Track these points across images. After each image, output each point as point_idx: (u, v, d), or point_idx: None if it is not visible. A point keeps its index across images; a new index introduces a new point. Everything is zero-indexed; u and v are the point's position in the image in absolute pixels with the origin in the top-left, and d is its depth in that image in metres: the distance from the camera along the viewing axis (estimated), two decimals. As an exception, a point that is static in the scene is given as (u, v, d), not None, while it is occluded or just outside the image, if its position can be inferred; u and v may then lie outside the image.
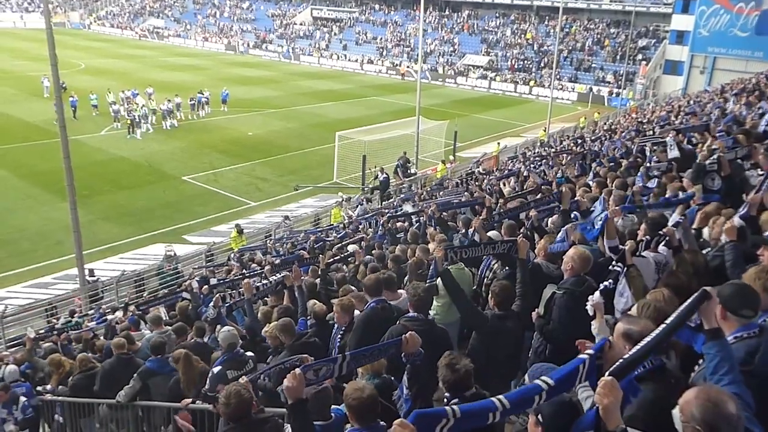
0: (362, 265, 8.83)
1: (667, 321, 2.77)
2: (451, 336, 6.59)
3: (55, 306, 14.89)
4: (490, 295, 5.26)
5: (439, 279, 5.73)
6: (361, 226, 15.87)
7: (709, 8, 46.12)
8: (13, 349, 11.55)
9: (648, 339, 2.69)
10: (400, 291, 6.28)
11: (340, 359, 3.56)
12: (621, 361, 2.60)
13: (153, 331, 8.51)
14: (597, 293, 4.14)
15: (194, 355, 6.72)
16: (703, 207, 6.06)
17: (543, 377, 2.65)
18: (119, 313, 11.34)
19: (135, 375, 6.99)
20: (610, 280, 4.46)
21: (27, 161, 26.60)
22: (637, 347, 2.68)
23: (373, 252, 10.23)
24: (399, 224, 13.50)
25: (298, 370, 3.38)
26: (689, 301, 2.82)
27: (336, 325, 6.04)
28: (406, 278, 7.38)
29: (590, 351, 2.85)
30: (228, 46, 74.44)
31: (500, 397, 2.57)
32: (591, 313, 4.03)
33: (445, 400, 3.53)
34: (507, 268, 6.09)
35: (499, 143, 30.59)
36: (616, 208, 5.86)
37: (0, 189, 23.38)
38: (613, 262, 4.70)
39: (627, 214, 6.62)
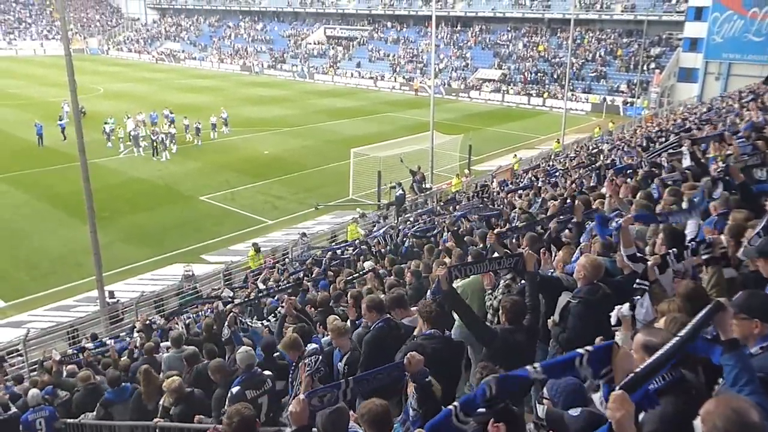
0: (375, 281, 8.83)
1: (680, 333, 2.75)
2: (474, 343, 6.54)
3: (76, 329, 15.02)
4: (501, 311, 5.22)
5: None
6: (374, 242, 15.88)
7: (722, 14, 45.86)
8: (34, 373, 11.67)
9: (661, 352, 2.67)
10: (414, 308, 6.19)
11: (344, 385, 3.54)
12: (633, 374, 2.58)
13: (170, 351, 8.58)
14: (626, 306, 4.07)
15: (205, 377, 6.92)
16: (723, 218, 5.94)
17: (534, 365, 2.84)
18: (137, 336, 11.46)
19: (98, 404, 7.81)
20: (638, 296, 4.38)
21: (47, 185, 27.08)
22: (649, 360, 2.66)
23: (393, 268, 10.21)
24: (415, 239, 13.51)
25: (302, 396, 3.36)
26: (702, 312, 2.81)
27: (337, 350, 5.98)
28: (428, 292, 7.36)
29: (589, 348, 2.86)
30: (243, 66, 75.47)
31: (487, 379, 2.80)
32: (614, 322, 3.98)
33: None
34: (522, 281, 6.05)
35: (516, 155, 30.49)
36: (629, 216, 5.78)
37: (22, 212, 23.82)
38: (638, 280, 4.61)
39: (642, 223, 6.52)
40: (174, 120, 36.75)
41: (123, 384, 8.05)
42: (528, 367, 2.78)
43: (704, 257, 4.76)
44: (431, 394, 3.67)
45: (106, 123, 35.07)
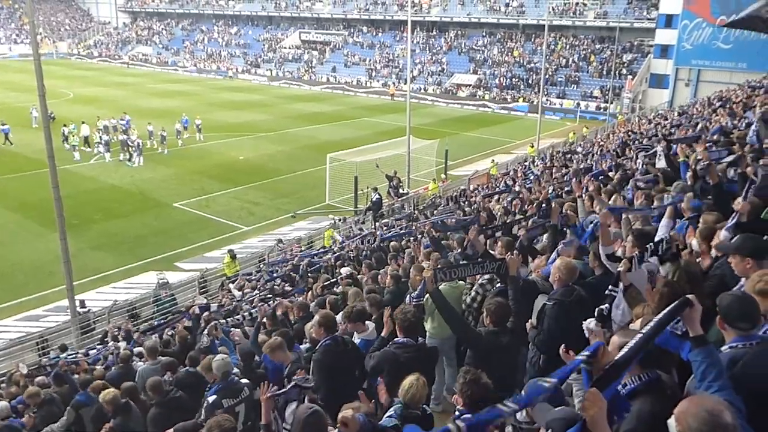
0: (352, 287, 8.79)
1: (644, 329, 2.77)
2: (448, 350, 6.58)
3: (46, 339, 14.68)
4: (485, 313, 5.25)
5: (428, 299, 5.69)
6: (353, 245, 15.85)
7: (691, 22, 46.88)
8: (2, 386, 11.37)
9: (627, 348, 2.68)
10: (368, 323, 6.15)
11: None
12: (604, 371, 2.60)
13: (146, 363, 8.43)
14: (593, 321, 4.07)
15: (186, 386, 6.73)
16: (695, 220, 6.03)
17: (546, 378, 2.74)
18: (122, 344, 11.30)
19: (68, 408, 7.64)
20: (606, 305, 4.40)
21: (16, 193, 26.48)
22: (617, 357, 2.67)
23: (370, 274, 10.16)
24: (393, 243, 13.50)
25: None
26: (669, 308, 2.84)
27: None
28: (407, 296, 7.34)
29: (585, 353, 2.85)
30: (217, 71, 74.89)
31: (506, 402, 2.64)
32: (588, 335, 3.98)
33: (457, 413, 3.51)
34: (500, 284, 6.08)
35: (493, 160, 30.67)
36: (605, 211, 5.83)
37: (-10, 221, 23.24)
38: (609, 287, 4.64)
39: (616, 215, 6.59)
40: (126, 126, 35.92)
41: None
42: (545, 385, 2.71)
43: (660, 254, 4.85)
44: None
45: (65, 126, 34.15)
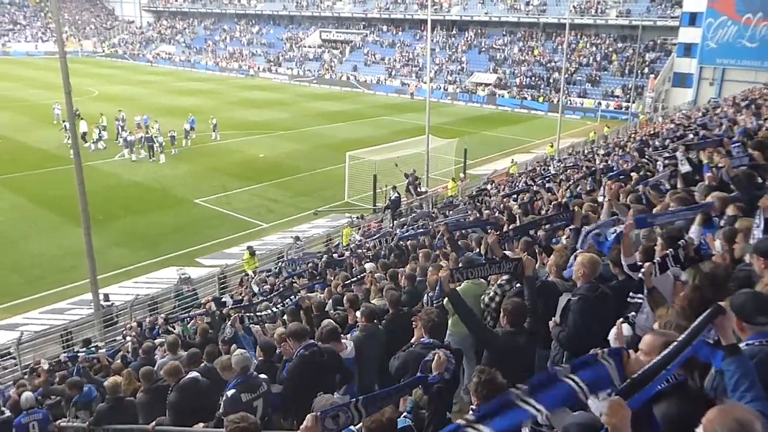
0: (374, 285, 8.81)
1: (680, 338, 2.73)
2: (467, 349, 6.57)
3: (70, 332, 14.92)
4: (502, 313, 5.23)
5: (446, 300, 5.70)
6: (370, 244, 15.87)
7: (716, 20, 46.15)
8: (27, 377, 11.61)
9: (659, 357, 2.64)
10: (345, 342, 6.08)
11: (352, 404, 3.47)
12: (630, 380, 2.55)
13: (167, 356, 8.54)
14: (626, 326, 4.01)
15: (204, 381, 6.93)
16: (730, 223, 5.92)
17: (571, 375, 2.58)
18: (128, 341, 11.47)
19: (74, 409, 8.21)
20: (633, 313, 4.33)
21: (40, 188, 26.93)
22: (646, 367, 2.63)
23: (388, 272, 10.17)
24: (411, 242, 13.49)
25: (312, 415, 3.31)
26: (702, 316, 2.78)
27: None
28: (425, 295, 7.34)
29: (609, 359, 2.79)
30: (239, 69, 75.43)
31: (532, 402, 2.47)
32: (612, 343, 3.94)
33: (471, 412, 3.52)
34: (519, 284, 6.06)
35: (513, 159, 30.44)
36: (630, 222, 5.77)
37: (14, 216, 23.67)
38: (631, 294, 4.59)
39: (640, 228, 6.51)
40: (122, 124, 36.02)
41: (85, 388, 8.54)
42: (565, 380, 2.62)
43: (681, 261, 4.79)
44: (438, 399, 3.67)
45: (65, 121, 34.35)
